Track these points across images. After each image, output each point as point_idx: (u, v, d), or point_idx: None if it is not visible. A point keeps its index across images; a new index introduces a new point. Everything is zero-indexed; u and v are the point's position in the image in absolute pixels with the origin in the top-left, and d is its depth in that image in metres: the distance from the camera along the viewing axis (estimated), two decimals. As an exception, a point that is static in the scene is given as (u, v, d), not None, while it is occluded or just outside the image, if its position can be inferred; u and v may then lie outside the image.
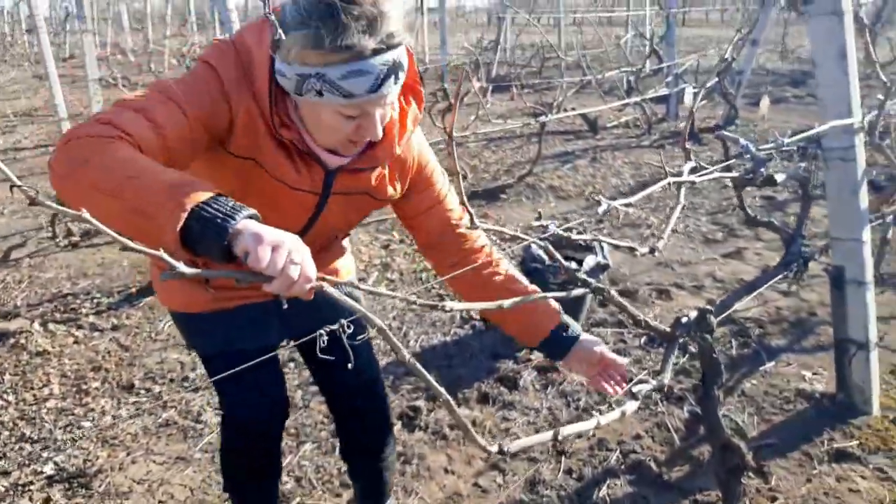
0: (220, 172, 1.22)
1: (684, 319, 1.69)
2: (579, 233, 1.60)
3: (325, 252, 1.53)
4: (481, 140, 7.03)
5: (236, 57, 1.15)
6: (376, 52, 1.05)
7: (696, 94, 6.57)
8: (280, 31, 1.04)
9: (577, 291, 1.46)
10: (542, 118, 5.24)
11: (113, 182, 0.92)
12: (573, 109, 7.00)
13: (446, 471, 2.20)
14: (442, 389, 1.05)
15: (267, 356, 1.39)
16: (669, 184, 1.85)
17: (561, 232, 1.56)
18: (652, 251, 1.74)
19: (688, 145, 2.14)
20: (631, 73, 8.46)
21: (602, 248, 3.06)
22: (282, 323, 1.50)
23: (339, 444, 1.89)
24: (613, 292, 1.75)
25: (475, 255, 1.49)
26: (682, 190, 1.96)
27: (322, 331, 1.02)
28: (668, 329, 1.69)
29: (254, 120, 1.17)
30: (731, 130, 6.53)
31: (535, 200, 5.13)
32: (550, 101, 7.76)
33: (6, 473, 2.16)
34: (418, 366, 1.03)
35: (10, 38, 16.08)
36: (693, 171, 2.03)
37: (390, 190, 1.38)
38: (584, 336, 1.51)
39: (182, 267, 0.82)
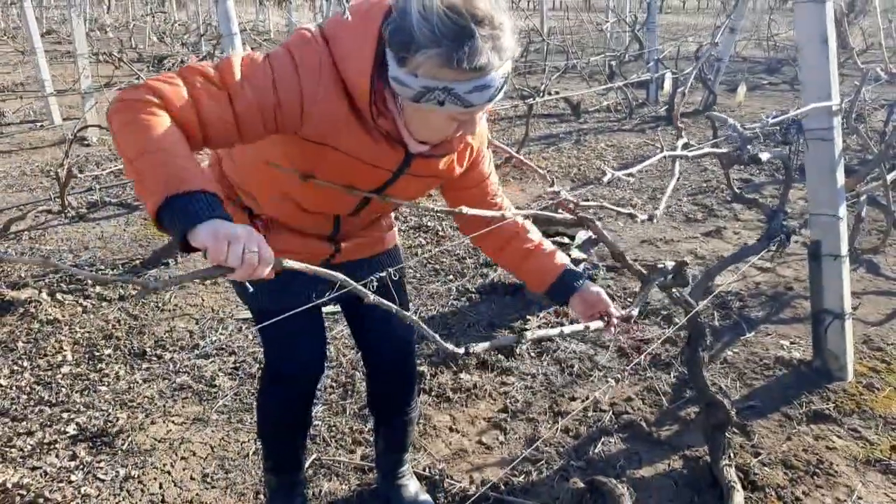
0: (289, 147, 1.29)
1: (661, 265, 1.85)
2: (585, 200, 1.74)
3: (375, 223, 1.66)
4: (467, 122, 7.13)
5: (324, 48, 1.21)
6: (498, 66, 1.14)
7: (676, 80, 6.75)
8: (412, 47, 1.11)
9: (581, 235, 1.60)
10: (530, 100, 5.37)
11: (135, 145, 1.06)
12: (557, 93, 7.13)
13: (451, 429, 2.34)
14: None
15: (326, 303, 1.41)
16: (665, 157, 2.00)
17: (570, 198, 1.70)
18: (650, 218, 1.89)
19: (669, 128, 2.28)
20: (613, 59, 8.60)
21: (593, 223, 3.20)
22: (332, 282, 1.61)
23: (367, 396, 2.01)
24: (598, 224, 1.89)
25: (506, 228, 1.61)
26: (677, 164, 2.12)
27: (372, 278, 1.14)
28: (644, 271, 1.84)
29: (335, 109, 1.22)
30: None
31: (522, 181, 5.26)
32: (535, 85, 7.89)
33: (30, 433, 2.25)
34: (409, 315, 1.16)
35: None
36: (684, 147, 2.18)
37: (457, 170, 1.48)
38: (587, 282, 1.64)
39: (153, 283, 0.93)
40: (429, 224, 4.22)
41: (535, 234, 1.67)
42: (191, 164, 1.06)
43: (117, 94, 1.14)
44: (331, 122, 1.24)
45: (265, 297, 1.53)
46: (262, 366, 2.66)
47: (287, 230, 1.54)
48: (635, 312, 1.68)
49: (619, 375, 2.63)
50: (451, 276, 3.50)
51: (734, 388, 2.57)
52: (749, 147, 2.38)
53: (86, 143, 5.91)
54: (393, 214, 1.79)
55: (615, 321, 1.58)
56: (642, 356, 2.67)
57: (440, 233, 4.11)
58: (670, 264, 1.81)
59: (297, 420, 1.76)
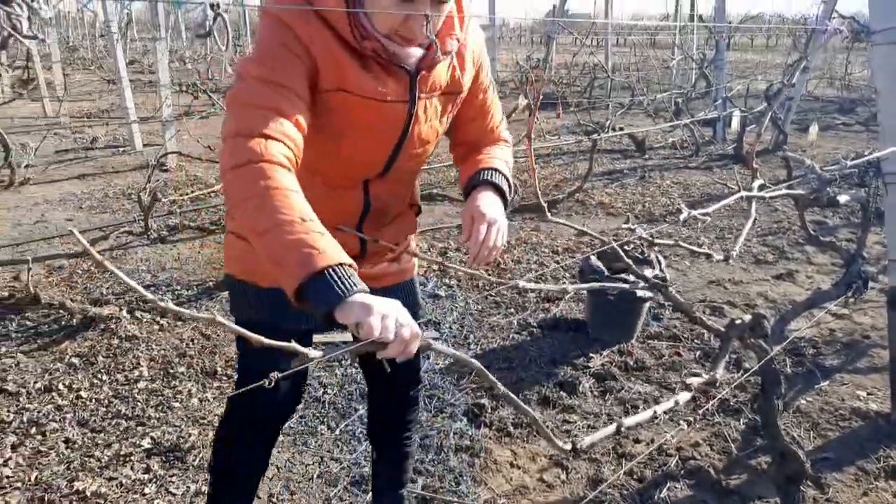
0: (315, 113, 1.27)
1: (738, 321, 1.81)
2: (656, 238, 1.74)
3: (399, 222, 1.59)
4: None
5: None
6: None
7: (744, 118, 6.64)
8: None
9: (641, 288, 1.58)
10: (595, 136, 5.38)
11: (259, 227, 1.07)
12: (621, 129, 7.11)
13: (512, 465, 2.33)
14: (529, 409, 1.19)
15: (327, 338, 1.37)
16: (742, 198, 1.98)
17: (645, 235, 1.70)
18: (726, 259, 1.87)
19: (738, 166, 2.26)
20: (679, 96, 8.54)
21: (659, 261, 3.16)
22: None
23: (367, 425, 1.95)
24: (671, 290, 1.88)
25: (491, 140, 1.56)
26: (754, 204, 2.09)
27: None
28: (722, 329, 1.81)
29: (331, 48, 1.23)
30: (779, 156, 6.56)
31: (584, 216, 5.24)
32: (598, 120, 7.89)
33: (108, 445, 2.35)
34: (511, 395, 1.15)
35: (74, 42, 16.75)
36: (761, 188, 2.15)
37: (464, 77, 1.42)
38: (484, 192, 1.41)
39: (312, 352, 0.94)
40: (491, 256, 4.24)
41: (502, 149, 1.56)
42: (319, 234, 1.06)
43: (222, 162, 1.15)
44: (333, 62, 1.24)
45: (256, 315, 1.50)
46: (326, 389, 2.71)
47: None
48: (719, 374, 1.64)
49: (687, 419, 2.57)
50: (512, 309, 3.50)
51: (808, 438, 2.48)
52: (828, 189, 2.33)
53: (165, 168, 6.20)
54: (414, 242, 1.70)
55: (473, 251, 1.35)
56: (711, 402, 2.60)
57: (501, 264, 4.12)
58: (747, 318, 1.78)
59: (258, 457, 1.65)
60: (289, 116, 1.17)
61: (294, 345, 0.94)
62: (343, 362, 2.86)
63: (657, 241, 1.65)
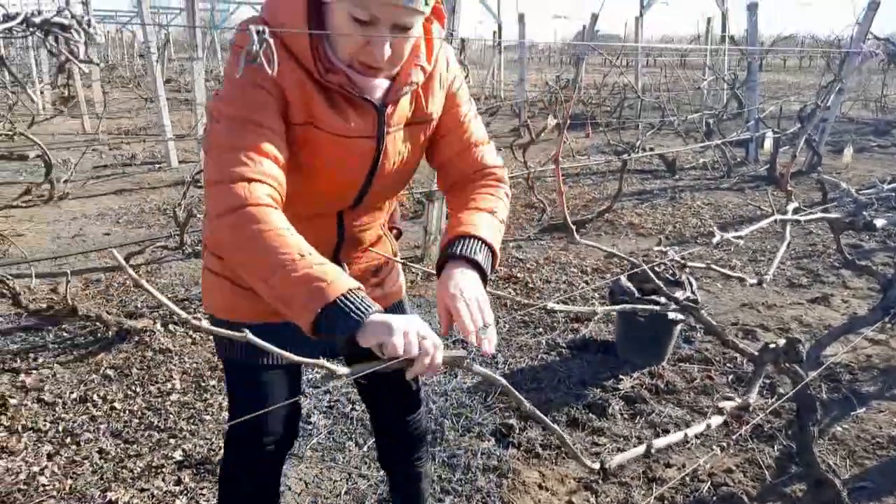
0: (288, 143, 1.24)
1: (772, 346, 1.78)
2: (688, 260, 1.72)
3: (378, 247, 1.55)
4: (560, 174, 7.16)
5: (262, 23, 1.17)
6: None
7: (777, 139, 6.56)
8: None
9: (671, 309, 1.57)
10: (625, 156, 5.36)
11: (261, 272, 1.07)
12: (651, 149, 7.08)
13: (540, 486, 2.31)
14: (556, 427, 1.18)
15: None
16: (776, 221, 1.96)
17: (678, 258, 1.69)
18: (760, 283, 1.85)
19: (770, 188, 2.23)
20: (711, 116, 8.48)
21: (690, 283, 3.13)
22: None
23: (377, 452, 1.92)
24: (703, 313, 1.86)
25: (482, 177, 1.42)
26: (788, 227, 2.07)
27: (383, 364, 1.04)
28: (755, 352, 1.78)
29: (300, 82, 1.20)
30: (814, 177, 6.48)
31: (614, 236, 5.21)
32: (628, 140, 7.86)
33: (140, 456, 2.38)
34: (538, 412, 1.15)
35: (114, 61, 17.21)
36: (795, 211, 2.13)
37: (432, 106, 1.36)
38: (455, 270, 1.21)
39: (340, 369, 0.95)
40: (518, 275, 4.24)
41: (491, 193, 1.39)
42: (322, 265, 1.06)
43: (208, 210, 1.14)
44: (302, 96, 1.21)
45: (240, 352, 1.45)
46: (354, 406, 2.72)
47: None
48: (752, 399, 1.62)
49: (720, 444, 2.52)
50: (540, 329, 3.49)
51: (844, 466, 2.42)
52: (864, 213, 2.29)
53: (199, 185, 6.31)
54: (400, 269, 1.67)
55: (471, 337, 1.14)
56: (745, 427, 2.56)
57: (529, 284, 4.12)
58: (781, 342, 1.75)
59: (263, 495, 1.58)
60: (267, 154, 1.15)
61: (323, 361, 0.95)
62: (350, 385, 2.89)
63: (689, 263, 1.64)
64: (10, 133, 5.74)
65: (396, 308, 1.65)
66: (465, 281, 1.19)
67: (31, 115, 7.92)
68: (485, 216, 1.32)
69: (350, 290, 1.04)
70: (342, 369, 0.97)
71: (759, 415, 2.65)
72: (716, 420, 1.51)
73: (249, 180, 1.12)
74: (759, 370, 1.77)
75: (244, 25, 1.19)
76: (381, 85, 1.26)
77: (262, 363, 1.45)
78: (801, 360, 1.82)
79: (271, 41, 1.06)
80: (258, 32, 1.03)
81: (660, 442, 1.39)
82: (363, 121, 1.27)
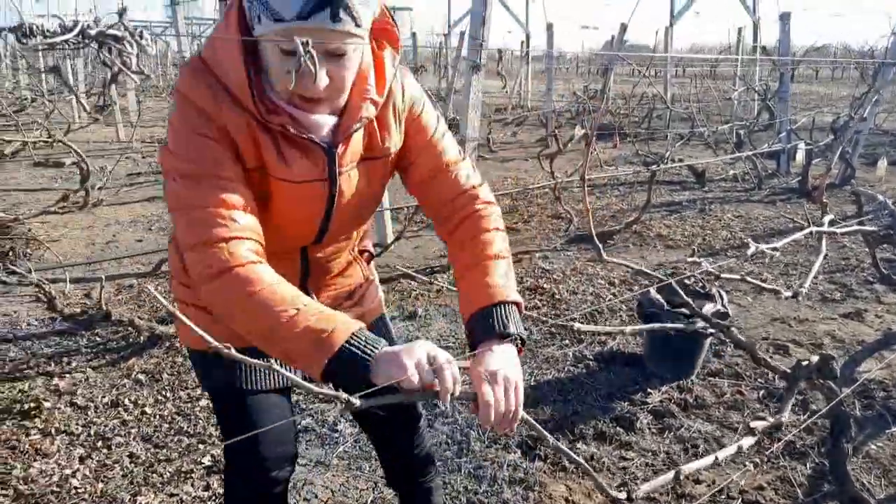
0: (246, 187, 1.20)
1: (805, 363, 1.75)
2: (723, 272, 1.70)
3: (349, 273, 1.52)
4: (588, 185, 7.13)
5: (206, 71, 1.15)
6: None
7: (809, 151, 6.46)
8: None
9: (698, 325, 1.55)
10: (654, 167, 5.32)
11: (260, 332, 1.07)
12: (680, 160, 7.01)
13: (566, 500, 2.28)
14: (581, 460, 1.18)
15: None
16: (811, 233, 1.93)
17: (712, 269, 1.67)
18: (795, 295, 1.82)
19: (802, 200, 2.20)
20: (741, 128, 8.38)
21: (721, 296, 3.09)
22: None
23: (384, 473, 1.90)
24: (734, 331, 1.83)
25: (464, 204, 1.35)
26: (824, 241, 2.03)
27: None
28: (788, 370, 1.75)
29: (247, 124, 1.16)
30: (846, 190, 6.36)
31: (642, 248, 5.16)
32: (657, 151, 7.80)
33: (169, 461, 2.41)
34: (562, 447, 1.15)
35: (148, 71, 17.52)
36: (831, 223, 2.10)
37: (388, 142, 1.30)
38: (491, 348, 1.14)
39: (355, 399, 0.95)
40: (545, 286, 4.22)
41: (486, 227, 1.31)
42: (320, 314, 1.06)
43: (193, 276, 1.12)
44: (250, 141, 1.17)
45: (221, 380, 1.42)
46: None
47: None
48: (785, 418, 1.59)
49: (752, 461, 2.47)
50: (567, 341, 3.47)
51: (878, 485, 2.36)
52: (902, 227, 2.25)
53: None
54: (374, 271, 1.65)
55: (492, 420, 1.08)
56: (777, 444, 2.51)
57: (556, 295, 4.09)
58: (814, 359, 1.73)
59: None
60: (235, 206, 1.12)
61: (341, 394, 0.96)
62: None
63: (723, 275, 1.62)
64: (50, 140, 5.88)
65: (379, 323, 1.63)
66: (496, 362, 1.12)
67: (66, 122, 8.11)
68: (500, 265, 1.26)
69: (352, 334, 1.04)
70: (359, 403, 0.97)
71: (791, 432, 2.60)
72: (747, 441, 1.49)
73: (227, 240, 1.10)
74: (792, 387, 1.75)
75: (184, 68, 1.18)
76: (327, 122, 1.21)
77: (246, 388, 1.41)
78: (835, 377, 1.79)
79: (314, 52, 1.06)
80: (303, 44, 1.04)
81: (690, 467, 1.37)
82: (312, 164, 1.22)
